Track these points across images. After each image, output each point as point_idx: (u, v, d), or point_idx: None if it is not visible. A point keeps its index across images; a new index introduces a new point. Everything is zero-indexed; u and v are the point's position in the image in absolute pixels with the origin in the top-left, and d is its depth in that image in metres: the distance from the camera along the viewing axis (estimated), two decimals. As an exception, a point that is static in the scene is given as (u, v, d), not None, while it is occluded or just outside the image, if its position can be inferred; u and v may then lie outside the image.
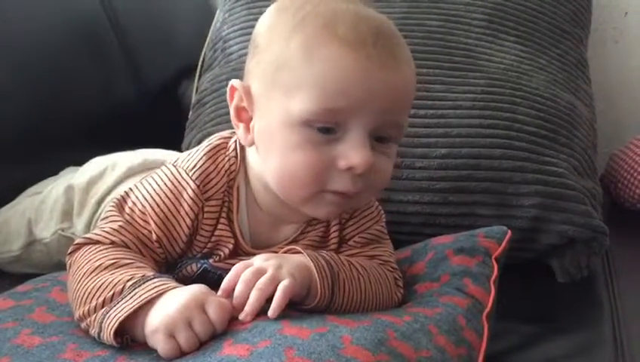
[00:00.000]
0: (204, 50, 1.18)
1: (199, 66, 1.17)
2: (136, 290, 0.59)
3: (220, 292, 0.61)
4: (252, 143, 0.67)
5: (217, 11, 1.19)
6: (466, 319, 0.65)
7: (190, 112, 1.10)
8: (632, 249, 1.01)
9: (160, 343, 0.57)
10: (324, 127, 0.62)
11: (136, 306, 0.58)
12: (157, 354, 0.58)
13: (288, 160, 0.63)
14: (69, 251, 0.66)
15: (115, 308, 0.59)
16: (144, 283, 0.60)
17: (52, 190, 0.91)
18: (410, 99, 0.67)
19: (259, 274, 0.60)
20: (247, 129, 0.67)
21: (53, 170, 0.99)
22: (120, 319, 0.58)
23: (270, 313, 0.59)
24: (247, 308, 0.59)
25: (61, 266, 0.69)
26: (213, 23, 1.18)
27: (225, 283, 0.61)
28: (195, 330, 0.58)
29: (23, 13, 1.04)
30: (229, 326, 0.59)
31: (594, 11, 1.21)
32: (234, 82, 0.67)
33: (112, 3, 1.19)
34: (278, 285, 0.60)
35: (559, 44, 1.09)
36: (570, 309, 0.84)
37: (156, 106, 1.22)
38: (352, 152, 0.62)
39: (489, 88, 0.97)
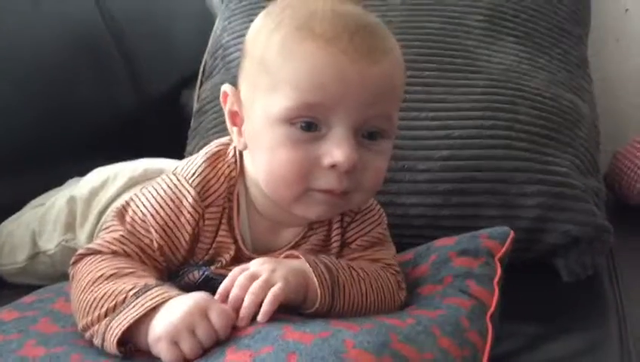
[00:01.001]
0: (204, 58, 1.18)
1: (200, 74, 1.17)
2: (139, 299, 0.59)
3: (216, 296, 0.61)
4: (245, 146, 0.68)
5: (217, 19, 1.20)
6: (470, 320, 0.65)
7: (192, 120, 1.11)
8: (637, 247, 1.00)
9: (163, 351, 0.58)
10: (306, 123, 0.62)
11: (138, 315, 0.58)
12: (161, 363, 0.58)
13: (273, 159, 0.63)
14: (72, 262, 0.66)
15: (117, 317, 0.59)
16: (146, 291, 0.60)
17: (55, 202, 0.91)
18: (395, 90, 0.65)
19: (253, 279, 0.61)
20: (240, 133, 0.68)
21: (58, 182, 1.00)
22: (123, 328, 0.58)
23: (259, 317, 0.59)
24: (242, 312, 0.60)
25: (66, 277, 0.69)
26: (213, 31, 1.19)
27: (221, 288, 0.62)
28: (199, 337, 0.58)
29: (24, 27, 1.04)
30: (232, 332, 0.59)
31: (594, 9, 1.21)
32: (225, 87, 0.68)
33: (112, 13, 1.20)
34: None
35: (559, 44, 1.08)
36: (575, 309, 0.83)
37: (158, 115, 1.23)
38: (334, 149, 0.61)
39: (489, 89, 0.97)
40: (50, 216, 0.90)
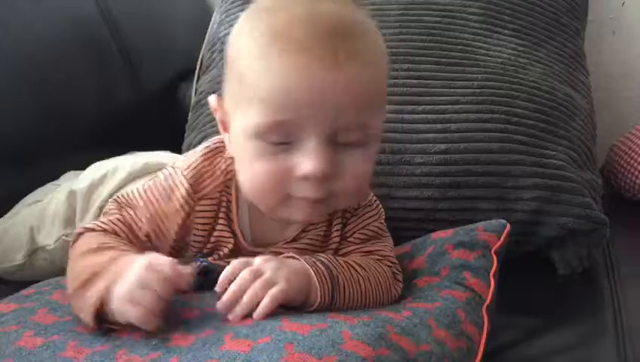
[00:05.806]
0: (202, 51, 1.18)
1: (197, 68, 1.17)
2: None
3: (217, 287, 0.62)
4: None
5: (214, 12, 1.20)
6: (466, 312, 0.65)
7: (189, 114, 1.11)
8: (634, 239, 1.01)
9: (129, 312, 0.58)
10: (277, 142, 0.62)
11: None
12: (156, 343, 0.58)
13: (252, 170, 0.64)
14: (72, 241, 0.67)
15: (88, 295, 0.60)
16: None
17: (53, 197, 0.91)
18: (370, 98, 0.63)
19: (256, 275, 0.61)
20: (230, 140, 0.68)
21: (54, 176, 1.00)
22: (93, 308, 0.59)
23: (254, 315, 0.60)
24: (238, 309, 0.60)
25: (65, 274, 0.69)
26: (211, 25, 1.19)
27: (222, 277, 0.62)
28: (153, 288, 0.58)
29: (23, 21, 1.04)
30: (230, 323, 0.59)
31: (591, 2, 1.21)
32: (211, 99, 0.69)
33: (109, 7, 1.20)
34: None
35: (556, 37, 1.09)
36: (572, 301, 0.84)
37: (156, 109, 1.23)
38: (305, 160, 0.61)
39: (487, 82, 0.97)
40: (49, 211, 0.90)
